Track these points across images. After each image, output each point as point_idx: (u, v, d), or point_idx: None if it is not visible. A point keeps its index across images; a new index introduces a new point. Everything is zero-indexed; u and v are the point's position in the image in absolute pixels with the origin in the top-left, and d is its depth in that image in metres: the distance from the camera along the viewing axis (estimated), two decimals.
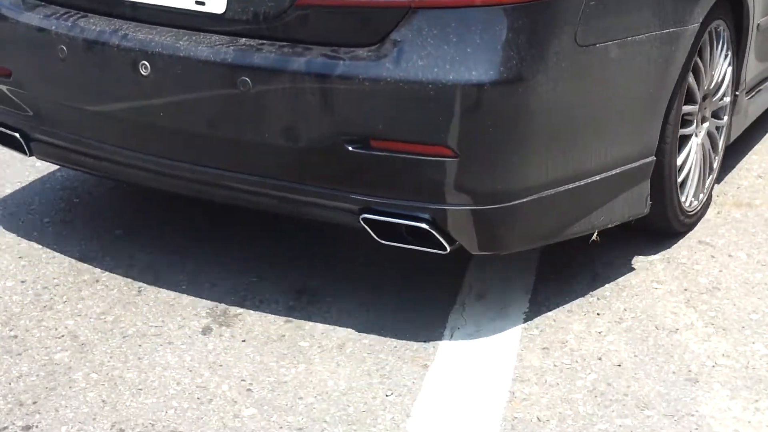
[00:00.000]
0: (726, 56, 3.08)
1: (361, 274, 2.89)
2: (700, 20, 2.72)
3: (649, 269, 2.88)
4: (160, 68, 2.49)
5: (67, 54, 2.65)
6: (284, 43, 2.39)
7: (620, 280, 2.82)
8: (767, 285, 2.79)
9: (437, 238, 2.38)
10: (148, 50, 2.49)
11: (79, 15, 2.68)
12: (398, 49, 2.26)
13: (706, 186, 3.13)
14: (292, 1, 2.34)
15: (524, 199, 2.38)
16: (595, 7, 2.36)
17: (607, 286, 2.78)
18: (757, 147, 3.79)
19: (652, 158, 2.70)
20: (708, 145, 3.12)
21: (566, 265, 2.90)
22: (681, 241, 3.05)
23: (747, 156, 3.70)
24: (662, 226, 2.96)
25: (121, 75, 2.57)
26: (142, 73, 2.51)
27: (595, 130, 2.53)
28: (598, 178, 2.54)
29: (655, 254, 2.96)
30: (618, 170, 2.59)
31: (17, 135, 2.93)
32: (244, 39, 2.43)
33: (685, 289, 2.76)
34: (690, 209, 3.02)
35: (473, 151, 2.29)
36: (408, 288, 2.81)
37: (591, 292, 2.75)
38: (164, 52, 2.47)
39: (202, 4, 2.46)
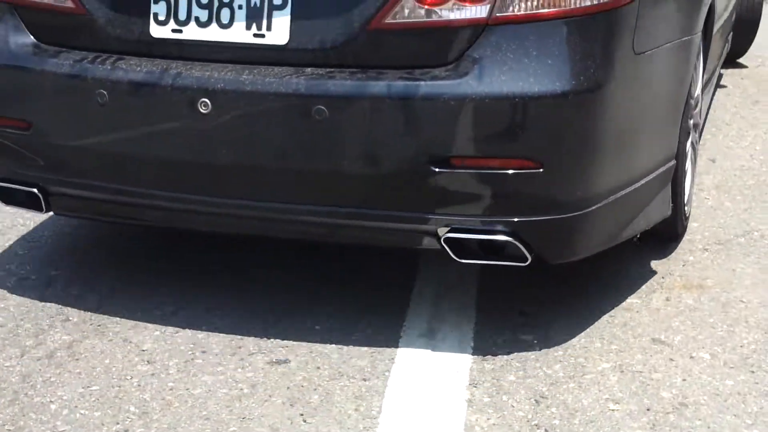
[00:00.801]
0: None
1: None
2: (702, 27, 2.89)
3: (601, 383, 2.36)
4: (222, 104, 2.39)
5: (108, 99, 2.50)
6: (355, 69, 2.35)
7: (569, 400, 2.30)
8: (741, 396, 2.32)
9: (519, 251, 2.38)
10: (207, 87, 2.39)
11: (115, 58, 2.54)
12: (479, 66, 2.28)
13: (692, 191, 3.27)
14: (362, 26, 2.33)
15: (597, 205, 2.43)
16: (645, 16, 2.44)
17: (554, 411, 2.26)
18: (694, 212, 3.38)
19: (674, 161, 2.80)
20: (693, 151, 3.25)
21: (506, 391, 2.36)
22: (632, 339, 2.57)
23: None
24: (670, 229, 3.02)
25: (176, 114, 2.45)
26: (201, 111, 2.40)
27: (644, 135, 2.60)
28: (644, 182, 2.62)
29: (606, 362, 2.46)
30: (656, 173, 2.69)
31: (35, 190, 2.72)
32: (310, 68, 2.38)
33: (648, 409, 2.25)
34: (687, 213, 3.15)
35: (556, 160, 2.33)
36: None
37: (535, 423, 2.22)
38: (227, 88, 2.38)
39: (262, 36, 2.40)
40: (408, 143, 2.33)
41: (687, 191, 3.13)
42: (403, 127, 2.32)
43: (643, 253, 3.06)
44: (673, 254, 3.07)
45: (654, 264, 3.00)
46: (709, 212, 3.41)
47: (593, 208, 2.42)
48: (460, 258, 2.43)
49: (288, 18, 2.38)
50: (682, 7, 2.76)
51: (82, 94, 2.55)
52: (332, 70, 2.36)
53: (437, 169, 2.31)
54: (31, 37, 2.69)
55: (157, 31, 2.50)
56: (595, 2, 2.29)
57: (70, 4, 2.59)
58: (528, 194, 2.36)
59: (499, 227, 2.36)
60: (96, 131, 2.58)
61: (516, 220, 2.36)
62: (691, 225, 3.28)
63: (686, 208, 3.13)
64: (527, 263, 2.42)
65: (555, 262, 2.52)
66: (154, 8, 2.49)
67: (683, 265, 3.00)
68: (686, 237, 3.19)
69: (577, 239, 2.49)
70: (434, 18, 2.31)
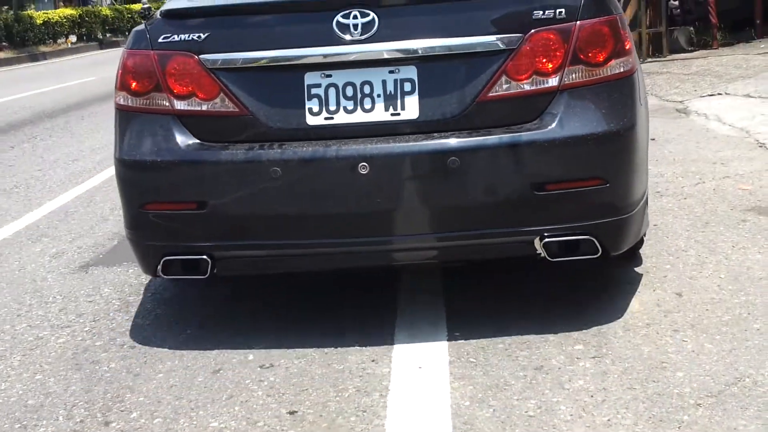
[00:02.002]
0: None
1: None
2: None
3: None
4: (377, 165, 3.15)
5: (282, 173, 3.19)
6: (471, 130, 3.21)
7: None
8: None
9: (593, 247, 3.28)
10: (365, 154, 3.15)
11: (278, 144, 3.25)
12: (557, 119, 3.19)
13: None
14: (473, 100, 3.22)
15: (636, 209, 3.38)
16: (639, 79, 3.45)
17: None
18: (676, 359, 3.03)
19: None
20: None
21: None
22: None
23: None
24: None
25: (341, 177, 3.18)
26: (361, 172, 3.15)
27: (646, 157, 3.53)
28: (646, 194, 3.58)
29: None
30: (647, 189, 3.62)
31: (204, 257, 3.32)
32: (437, 134, 3.22)
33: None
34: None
35: (615, 177, 3.25)
36: None
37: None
38: (381, 153, 3.16)
39: (398, 114, 3.24)
40: (516, 177, 3.20)
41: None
42: (512, 166, 3.19)
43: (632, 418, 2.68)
44: (664, 413, 2.69)
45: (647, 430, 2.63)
46: (691, 358, 3.07)
47: (636, 210, 3.38)
48: (551, 258, 3.29)
49: (416, 99, 3.24)
50: (642, 76, 3.63)
51: (258, 174, 3.22)
52: (452, 132, 3.21)
53: (537, 193, 3.19)
54: (194, 138, 3.32)
55: (312, 120, 3.27)
56: (623, 70, 3.29)
57: (234, 109, 3.30)
58: (598, 204, 3.26)
59: (580, 230, 3.26)
60: (269, 200, 3.25)
61: (590, 223, 3.26)
62: (676, 375, 2.94)
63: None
64: (598, 255, 3.31)
65: (615, 253, 3.38)
66: (308, 104, 3.26)
67: (679, 428, 2.63)
68: (675, 390, 2.83)
69: (627, 234, 3.40)
70: (523, 89, 3.23)
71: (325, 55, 3.24)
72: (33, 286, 4.44)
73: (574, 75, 3.21)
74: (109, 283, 4.36)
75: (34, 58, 28.20)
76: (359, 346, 3.38)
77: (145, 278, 4.34)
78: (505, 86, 3.21)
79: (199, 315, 3.84)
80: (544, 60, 3.21)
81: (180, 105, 3.34)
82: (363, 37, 3.21)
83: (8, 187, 7.05)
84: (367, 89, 3.23)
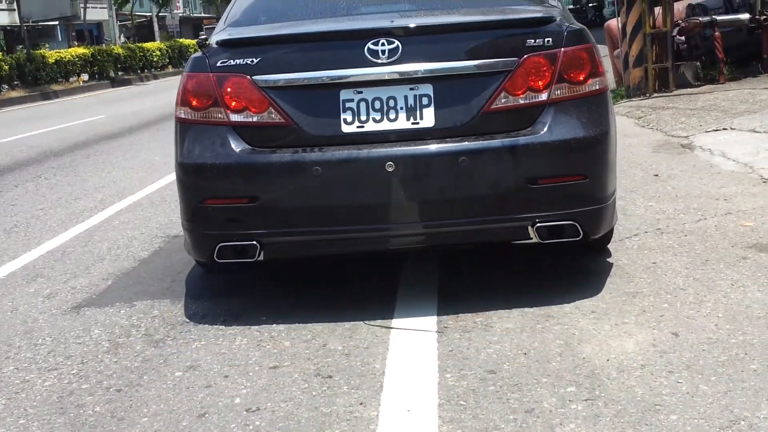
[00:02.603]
0: None
1: None
2: None
3: None
4: (401, 164, 3.82)
5: (322, 171, 3.83)
6: (477, 136, 3.89)
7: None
8: None
9: (576, 230, 3.97)
10: (391, 155, 3.82)
11: (318, 148, 3.89)
12: (548, 126, 3.88)
13: None
14: (478, 111, 3.89)
15: (610, 200, 4.11)
16: (608, 95, 4.17)
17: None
18: (670, 401, 2.94)
19: None
20: None
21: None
22: None
23: None
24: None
25: (372, 174, 3.84)
26: (388, 170, 3.80)
27: (615, 159, 4.19)
28: (616, 190, 4.26)
29: None
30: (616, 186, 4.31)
31: (254, 242, 3.95)
32: (449, 138, 3.88)
33: None
34: None
35: (594, 173, 3.96)
36: None
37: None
38: (404, 154, 3.84)
39: (417, 123, 3.89)
40: (514, 173, 3.86)
41: None
42: (511, 164, 3.86)
43: None
44: None
45: None
46: (685, 400, 2.99)
47: (610, 201, 4.10)
48: (542, 240, 3.95)
49: (433, 111, 3.91)
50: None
51: (301, 172, 3.87)
52: (461, 137, 3.89)
53: (531, 186, 3.85)
54: (246, 144, 3.95)
55: (346, 128, 3.92)
56: (598, 88, 3.99)
57: (281, 120, 3.94)
58: (580, 195, 3.95)
59: (565, 217, 3.93)
60: (311, 194, 3.89)
61: (574, 211, 3.94)
62: (670, 418, 2.86)
63: None
64: (580, 238, 4.00)
65: (593, 236, 4.09)
66: (343, 115, 3.92)
67: None
68: None
69: (603, 220, 4.10)
70: (519, 103, 3.91)
71: (357, 76, 3.90)
72: (24, 327, 4.40)
73: (559, 91, 3.92)
74: (99, 324, 4.31)
75: (46, 96, 28.43)
76: (348, 388, 3.32)
77: (136, 319, 4.30)
78: (504, 100, 3.90)
79: (186, 358, 3.77)
80: (536, 79, 3.91)
81: (235, 117, 3.97)
82: (389, 60, 3.88)
83: (8, 226, 7.04)
84: (392, 103, 3.91)
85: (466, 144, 3.84)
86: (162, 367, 3.69)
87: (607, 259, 4.64)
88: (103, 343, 4.04)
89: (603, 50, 18.16)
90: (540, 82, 3.89)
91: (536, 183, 3.84)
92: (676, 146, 8.15)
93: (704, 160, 7.33)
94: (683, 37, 12.50)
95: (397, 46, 3.89)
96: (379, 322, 3.96)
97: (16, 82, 29.09)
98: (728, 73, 12.20)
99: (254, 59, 3.96)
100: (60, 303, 4.74)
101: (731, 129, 8.46)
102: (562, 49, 3.91)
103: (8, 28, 44.37)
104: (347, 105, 3.91)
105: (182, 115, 4.06)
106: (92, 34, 49.16)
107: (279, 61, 3.98)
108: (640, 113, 10.53)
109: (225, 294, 4.60)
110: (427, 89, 3.90)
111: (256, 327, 4.05)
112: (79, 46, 37.91)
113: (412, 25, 3.99)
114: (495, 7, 4.27)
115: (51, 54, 31.35)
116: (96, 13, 50.46)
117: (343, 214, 3.90)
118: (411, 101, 3.90)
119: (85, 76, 33.09)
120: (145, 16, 57.21)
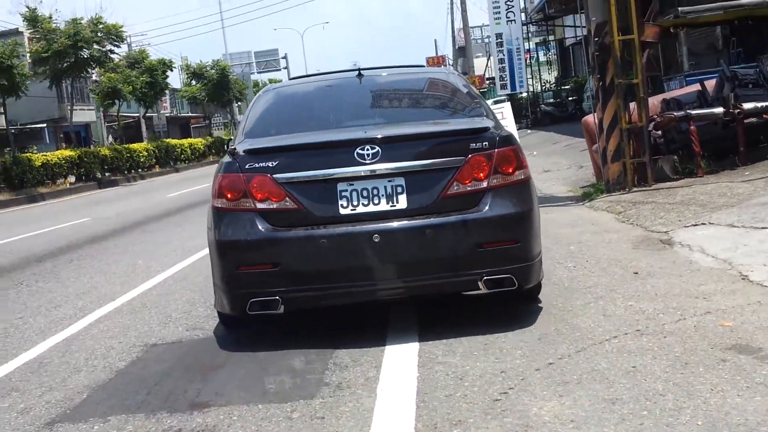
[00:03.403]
0: None
1: None
2: None
3: None
4: (384, 236, 5.19)
5: (327, 243, 5.19)
6: (438, 215, 5.29)
7: None
8: None
9: (513, 282, 5.38)
10: (376, 230, 5.20)
11: (323, 225, 5.25)
12: (488, 205, 5.33)
13: None
14: (438, 196, 5.31)
15: (537, 258, 5.60)
16: (533, 182, 5.78)
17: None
18: None
19: None
20: None
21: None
22: None
23: None
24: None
25: (362, 243, 5.20)
26: (375, 240, 5.17)
27: (539, 228, 5.69)
28: (541, 251, 5.72)
29: None
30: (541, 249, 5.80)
31: (277, 297, 5.27)
32: (417, 216, 5.28)
33: None
34: None
35: (524, 239, 5.42)
36: None
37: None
38: (386, 229, 5.22)
39: (394, 206, 5.29)
40: (466, 240, 5.26)
41: None
42: (464, 233, 5.26)
43: None
44: None
45: None
46: None
47: (537, 260, 5.56)
48: (488, 290, 5.33)
49: (405, 196, 5.29)
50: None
51: (311, 244, 5.20)
52: (428, 216, 5.26)
53: (479, 249, 5.26)
54: (269, 224, 5.30)
55: (343, 211, 5.27)
56: (523, 177, 5.49)
57: (294, 206, 5.30)
58: (514, 255, 5.35)
59: (504, 272, 5.32)
60: (319, 260, 5.20)
61: (510, 267, 5.34)
62: None
63: None
64: (515, 288, 5.41)
65: (527, 286, 5.55)
66: (340, 201, 5.28)
67: None
68: None
69: (532, 275, 5.53)
70: (467, 189, 5.34)
71: (350, 173, 5.28)
72: None
73: (495, 180, 5.38)
74: None
75: (33, 199, 28.47)
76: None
77: None
78: (456, 188, 5.35)
79: None
80: (478, 172, 5.37)
81: (260, 205, 5.33)
82: (372, 161, 5.28)
83: None
84: (375, 191, 5.29)
85: (431, 220, 5.25)
86: None
87: (588, 363, 4.61)
88: None
89: (582, 144, 18.41)
90: (481, 174, 5.35)
91: (482, 247, 5.26)
92: (656, 242, 8.20)
93: (684, 256, 7.37)
94: (660, 132, 12.70)
95: (378, 150, 5.29)
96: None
97: (2, 186, 29.14)
98: (706, 167, 12.33)
99: (273, 162, 5.34)
100: (34, 419, 4.66)
101: (710, 224, 8.52)
102: (496, 149, 5.40)
103: None
104: (343, 194, 5.29)
105: (219, 205, 5.42)
106: (80, 135, 49.56)
107: (292, 163, 5.36)
108: (620, 208, 10.62)
109: (198, 407, 4.53)
110: (401, 181, 5.30)
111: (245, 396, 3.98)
112: (66, 148, 38.16)
113: (389, 135, 5.43)
114: (447, 119, 6.05)
115: (37, 157, 31.52)
116: (83, 115, 51.05)
117: (343, 274, 5.22)
118: (389, 190, 5.30)
119: (71, 178, 33.23)
120: (133, 117, 57.84)
